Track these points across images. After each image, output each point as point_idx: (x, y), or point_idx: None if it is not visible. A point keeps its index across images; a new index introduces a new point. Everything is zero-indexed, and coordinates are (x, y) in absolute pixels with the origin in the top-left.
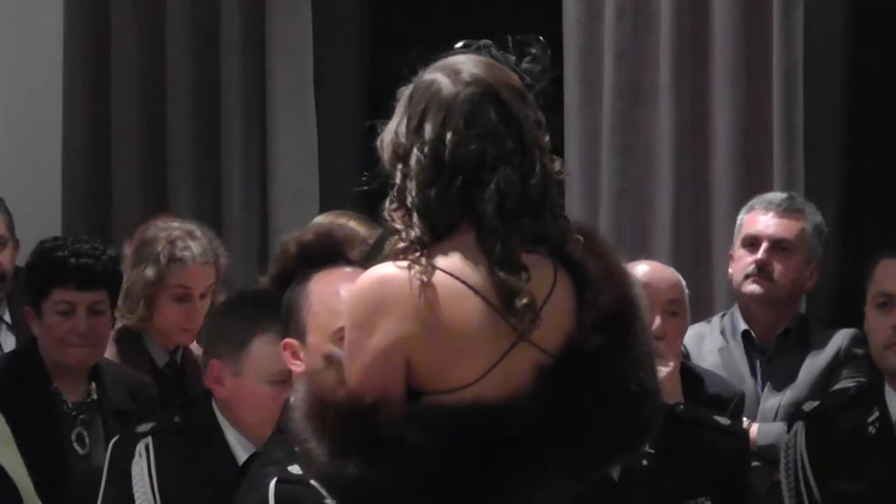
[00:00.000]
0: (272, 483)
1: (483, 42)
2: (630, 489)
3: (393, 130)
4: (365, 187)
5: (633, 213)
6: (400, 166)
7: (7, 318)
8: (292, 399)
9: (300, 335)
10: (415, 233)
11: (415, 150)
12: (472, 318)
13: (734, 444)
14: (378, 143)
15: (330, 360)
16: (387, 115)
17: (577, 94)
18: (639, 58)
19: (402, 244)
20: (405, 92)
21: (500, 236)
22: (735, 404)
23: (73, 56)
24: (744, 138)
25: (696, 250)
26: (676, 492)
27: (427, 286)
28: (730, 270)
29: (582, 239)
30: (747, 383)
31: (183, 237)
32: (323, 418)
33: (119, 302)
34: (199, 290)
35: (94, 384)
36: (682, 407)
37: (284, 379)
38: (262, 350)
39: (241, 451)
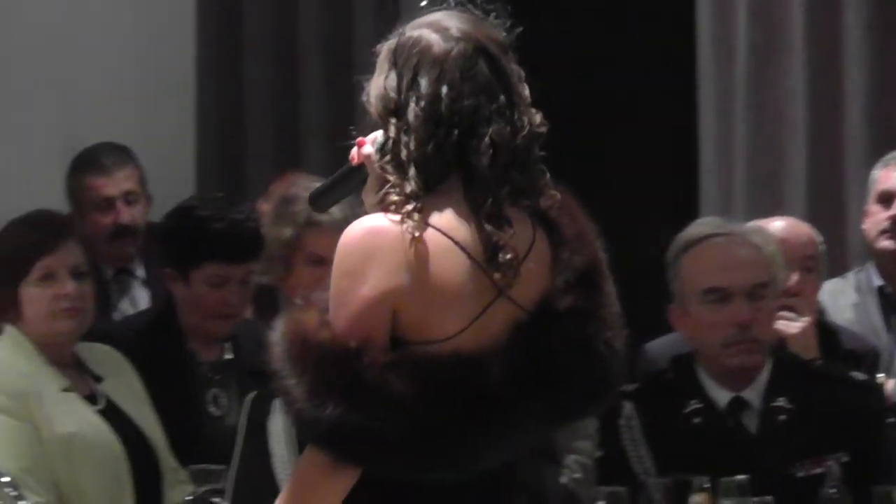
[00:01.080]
0: None
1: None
2: (768, 444)
3: (381, 86)
4: (353, 142)
5: (768, 170)
6: (394, 121)
7: (141, 273)
8: (271, 337)
9: None
10: (410, 186)
11: (412, 105)
12: (458, 273)
13: (871, 400)
14: (364, 98)
15: (309, 301)
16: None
17: (711, 53)
18: (772, 15)
19: (395, 197)
20: (385, 47)
21: (491, 190)
22: (870, 360)
23: (207, 10)
24: (878, 94)
25: (831, 206)
26: (813, 447)
27: (417, 241)
28: (864, 226)
29: (559, 197)
30: (882, 339)
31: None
32: (304, 357)
33: None
34: (332, 256)
35: (228, 344)
36: (818, 363)
37: None
38: None
39: None
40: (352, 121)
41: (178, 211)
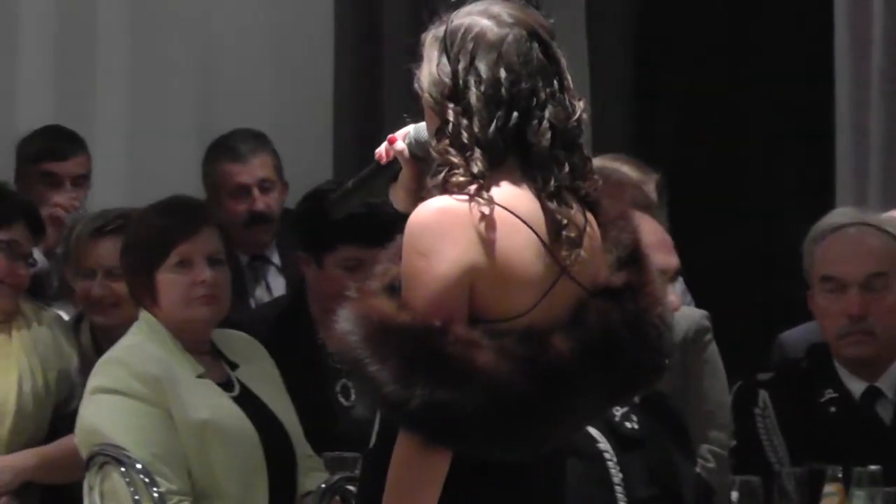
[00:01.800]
0: None
1: None
2: None
3: (434, 72)
4: (409, 128)
5: None
6: (452, 105)
7: (276, 260)
8: (337, 328)
9: None
10: (476, 167)
11: (472, 89)
12: (526, 250)
13: None
14: (416, 85)
15: (363, 289)
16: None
17: (847, 42)
18: None
19: (460, 178)
20: (430, 36)
21: (552, 170)
22: None
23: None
24: None
25: None
26: None
27: (487, 218)
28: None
29: (601, 181)
30: None
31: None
32: (385, 342)
33: None
34: None
35: None
36: None
37: None
38: None
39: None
40: None
41: (313, 194)
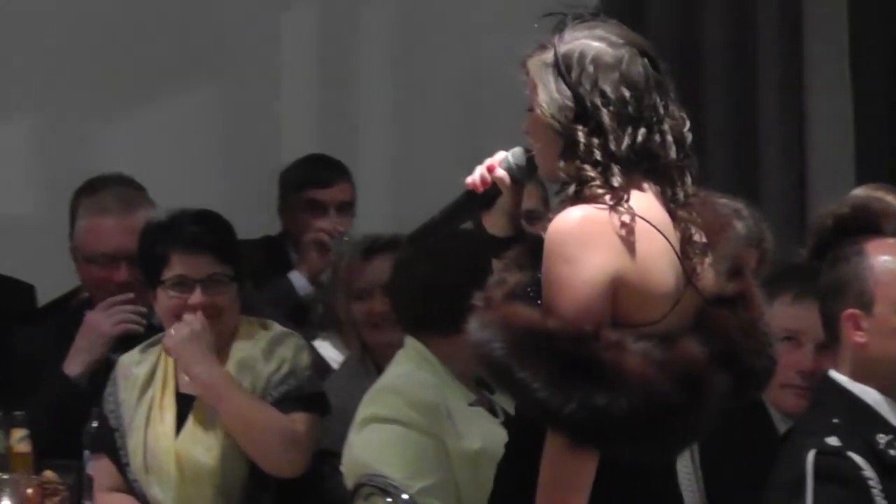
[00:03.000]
0: (810, 454)
1: (589, 10)
2: None
3: (556, 97)
4: (504, 154)
5: None
6: (580, 127)
7: None
8: (475, 338)
9: (864, 306)
10: (616, 181)
11: (602, 109)
12: (662, 258)
13: None
14: (539, 111)
15: (490, 299)
16: None
17: None
18: None
19: (598, 189)
20: (537, 63)
21: (679, 180)
22: None
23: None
24: None
25: None
26: None
27: (628, 226)
28: None
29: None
30: None
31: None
32: (535, 348)
33: None
34: None
35: None
36: None
37: None
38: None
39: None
40: (754, 125)
41: None
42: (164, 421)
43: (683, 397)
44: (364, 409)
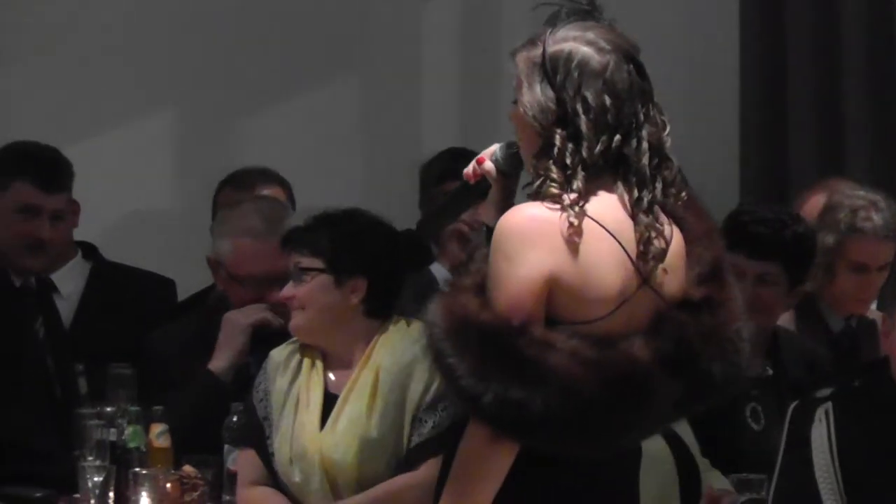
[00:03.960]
0: None
1: (587, 3)
2: None
3: (539, 99)
4: (494, 147)
5: None
6: (559, 130)
7: None
8: (427, 318)
9: None
10: (576, 183)
11: (581, 117)
12: (609, 259)
13: None
14: (522, 110)
15: (456, 285)
16: None
17: None
18: None
19: (554, 189)
20: (526, 60)
21: (648, 186)
22: None
23: (749, 24)
24: None
25: None
26: None
27: (575, 228)
28: None
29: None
30: None
31: (867, 207)
32: (466, 337)
33: None
34: (876, 263)
35: (769, 360)
36: None
37: None
38: None
39: None
40: (893, 123)
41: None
42: (311, 412)
43: (612, 398)
44: None
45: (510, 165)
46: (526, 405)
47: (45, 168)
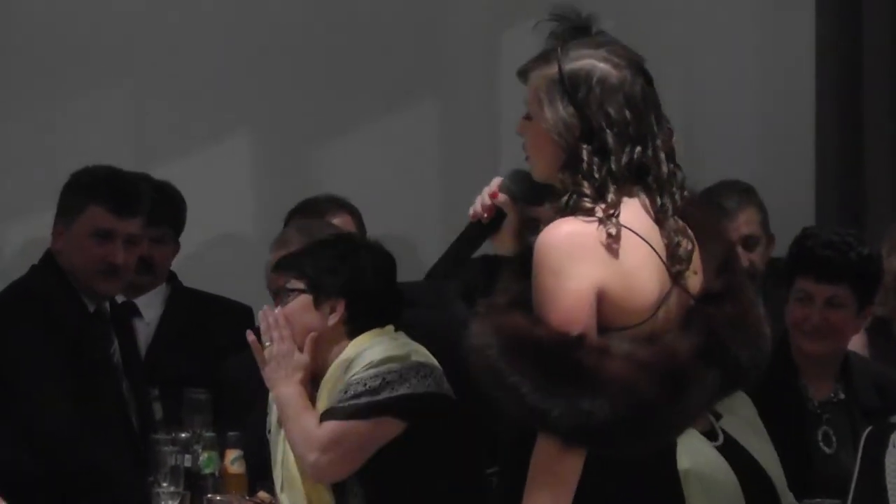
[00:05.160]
0: None
1: (586, 19)
2: None
3: (562, 117)
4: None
5: None
6: (585, 146)
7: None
8: (470, 343)
9: None
10: (610, 196)
11: (607, 130)
12: (646, 264)
13: None
14: (544, 127)
15: (492, 306)
16: None
17: None
18: None
19: (588, 203)
20: (542, 79)
21: (669, 192)
22: None
23: (825, 47)
24: None
25: None
26: None
27: (613, 238)
28: None
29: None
30: None
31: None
32: (523, 354)
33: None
34: None
35: (840, 384)
36: None
37: None
38: None
39: None
40: None
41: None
42: None
43: (665, 395)
44: None
45: (524, 191)
46: (594, 413)
47: (120, 192)
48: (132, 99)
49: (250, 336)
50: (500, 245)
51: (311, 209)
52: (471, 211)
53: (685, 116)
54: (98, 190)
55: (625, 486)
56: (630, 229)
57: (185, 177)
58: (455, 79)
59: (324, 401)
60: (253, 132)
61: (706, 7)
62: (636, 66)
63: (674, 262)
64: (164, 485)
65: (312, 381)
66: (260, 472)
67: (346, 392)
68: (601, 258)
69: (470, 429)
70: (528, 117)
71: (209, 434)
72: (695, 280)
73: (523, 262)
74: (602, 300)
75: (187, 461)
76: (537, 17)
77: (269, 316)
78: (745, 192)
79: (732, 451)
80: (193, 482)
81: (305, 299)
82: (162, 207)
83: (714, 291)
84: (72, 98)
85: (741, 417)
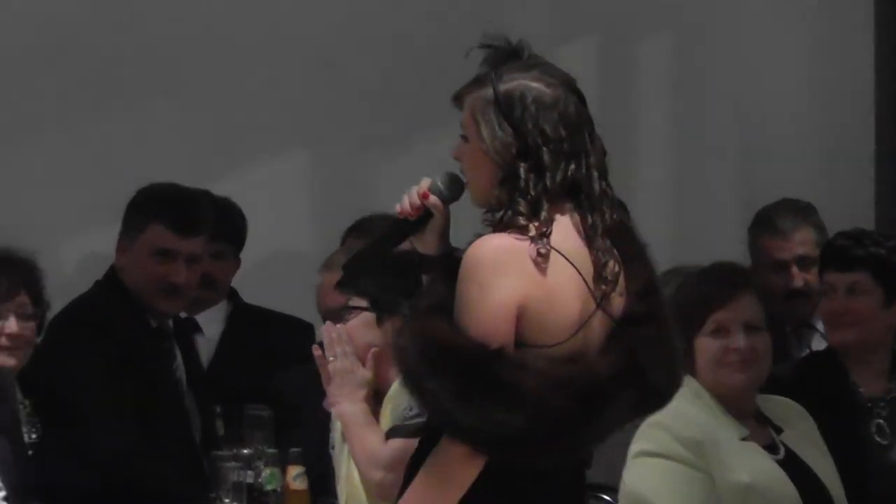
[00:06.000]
0: None
1: (517, 45)
2: None
3: (499, 135)
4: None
5: None
6: (523, 164)
7: (820, 327)
8: (395, 345)
9: None
10: (544, 214)
11: (543, 148)
12: (571, 285)
13: None
14: (482, 147)
15: (417, 309)
16: None
17: None
18: None
19: (523, 221)
20: (478, 99)
21: (600, 211)
22: None
23: (885, 66)
24: None
25: None
26: None
27: (542, 257)
28: None
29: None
30: None
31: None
32: (444, 360)
33: None
34: None
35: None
36: None
37: None
38: None
39: None
40: None
41: None
42: None
43: (580, 414)
44: (635, 445)
45: (455, 195)
46: (506, 425)
47: (182, 211)
48: (193, 114)
49: (316, 351)
50: (422, 245)
51: (365, 228)
52: (398, 207)
53: (742, 130)
54: (160, 208)
55: (524, 497)
56: (559, 252)
57: (244, 193)
58: None
59: (387, 418)
60: (312, 148)
61: (766, 27)
62: (569, 85)
63: (600, 283)
64: (227, 501)
65: (375, 397)
66: (319, 487)
67: (410, 409)
68: (526, 274)
69: None
70: (464, 138)
71: (271, 450)
72: (619, 301)
73: (449, 267)
74: (523, 316)
75: (249, 477)
76: (596, 32)
77: (332, 331)
78: (801, 212)
79: (793, 464)
80: (255, 498)
81: (367, 316)
82: (223, 224)
83: (636, 313)
84: (133, 113)
85: (800, 431)
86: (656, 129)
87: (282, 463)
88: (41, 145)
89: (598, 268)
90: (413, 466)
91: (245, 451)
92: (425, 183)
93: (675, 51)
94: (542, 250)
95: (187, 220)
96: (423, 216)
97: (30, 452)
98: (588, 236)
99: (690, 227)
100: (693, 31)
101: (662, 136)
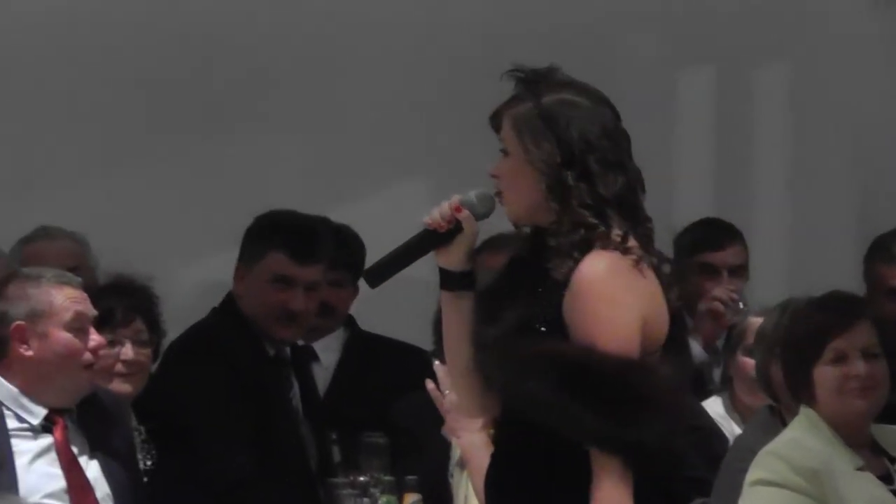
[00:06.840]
0: None
1: (550, 68)
2: None
3: (543, 146)
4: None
5: None
6: (570, 173)
7: None
8: (513, 380)
9: None
10: (621, 227)
11: (589, 156)
12: (660, 294)
13: None
14: (528, 158)
15: (530, 334)
16: None
17: None
18: None
19: (618, 237)
20: (519, 113)
21: (643, 220)
22: None
23: None
24: None
25: None
26: None
27: (644, 270)
28: None
29: None
30: None
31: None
32: (584, 381)
33: None
34: None
35: None
36: None
37: None
38: None
39: None
40: None
41: None
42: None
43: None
44: (752, 473)
45: (486, 211)
46: (659, 434)
47: (300, 239)
48: (312, 141)
49: (430, 385)
50: (445, 258)
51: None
52: (427, 219)
53: (862, 162)
54: (278, 236)
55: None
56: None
57: (363, 220)
58: (631, 125)
59: None
60: (428, 175)
61: (883, 54)
62: (605, 100)
63: (668, 289)
64: None
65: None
66: None
67: None
68: (640, 287)
69: None
70: (504, 152)
71: (387, 478)
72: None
73: (496, 292)
74: (644, 327)
75: None
76: (714, 58)
77: (443, 367)
78: None
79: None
80: None
81: None
82: (341, 252)
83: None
84: (252, 140)
85: None
86: (772, 158)
87: (398, 490)
88: (160, 172)
89: (659, 273)
90: (492, 486)
91: (361, 478)
92: (456, 198)
93: (793, 78)
94: (645, 264)
95: (306, 248)
96: (451, 230)
97: (145, 479)
98: (643, 245)
99: (806, 256)
100: (810, 58)
101: (778, 164)
